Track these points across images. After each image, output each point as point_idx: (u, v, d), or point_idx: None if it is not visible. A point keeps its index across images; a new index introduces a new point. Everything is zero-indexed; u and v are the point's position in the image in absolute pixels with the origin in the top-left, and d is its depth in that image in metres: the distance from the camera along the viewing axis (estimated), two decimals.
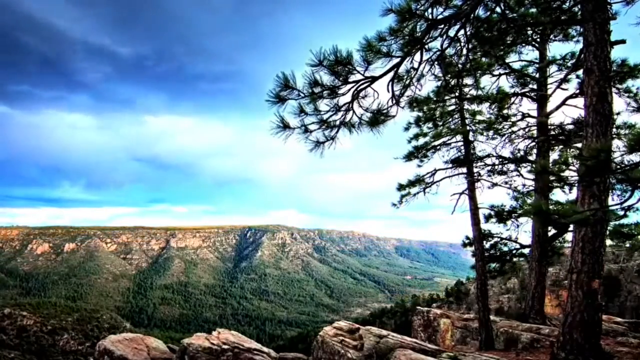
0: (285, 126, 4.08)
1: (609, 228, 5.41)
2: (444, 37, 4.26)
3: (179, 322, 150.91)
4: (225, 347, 6.09)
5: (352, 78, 3.99)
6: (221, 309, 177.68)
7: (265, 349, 6.91)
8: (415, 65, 4.20)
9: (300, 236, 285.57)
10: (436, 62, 4.53)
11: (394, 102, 4.22)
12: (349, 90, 4.12)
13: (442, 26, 4.18)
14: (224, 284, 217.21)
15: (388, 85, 4.15)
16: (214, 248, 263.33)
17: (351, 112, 4.26)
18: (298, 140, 4.18)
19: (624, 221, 4.79)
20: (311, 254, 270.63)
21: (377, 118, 4.20)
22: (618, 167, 4.34)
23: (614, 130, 7.21)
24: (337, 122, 4.32)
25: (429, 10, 4.31)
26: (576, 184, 7.16)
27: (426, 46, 4.03)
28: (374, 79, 4.06)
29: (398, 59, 3.96)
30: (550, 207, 4.96)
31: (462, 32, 4.51)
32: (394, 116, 4.28)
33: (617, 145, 6.89)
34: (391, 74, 4.06)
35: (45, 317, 66.70)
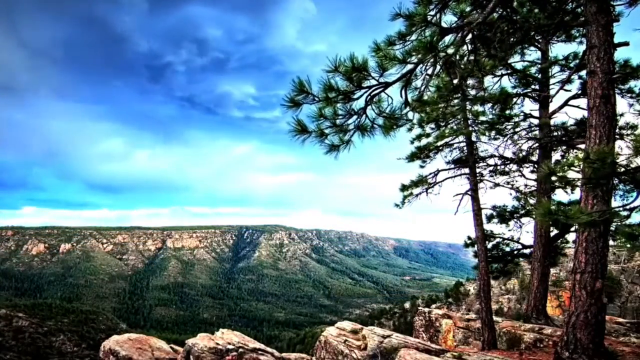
0: (302, 130, 4.17)
1: (611, 228, 5.46)
2: (457, 45, 4.29)
3: (175, 323, 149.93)
4: (230, 347, 6.08)
5: (365, 83, 4.07)
6: (218, 309, 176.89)
7: (269, 349, 6.92)
8: (427, 70, 4.25)
9: (298, 236, 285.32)
10: (444, 66, 4.55)
11: (407, 107, 4.27)
12: (362, 95, 4.20)
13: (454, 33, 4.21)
14: (221, 285, 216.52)
15: (401, 91, 4.21)
16: (211, 248, 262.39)
17: (364, 116, 4.33)
18: (313, 144, 4.25)
19: (629, 222, 4.84)
20: (309, 254, 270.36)
21: (392, 123, 4.26)
22: (624, 169, 4.38)
23: (617, 131, 7.26)
24: (352, 127, 4.40)
25: (437, 16, 4.35)
26: (579, 185, 7.21)
27: (440, 53, 4.08)
28: (387, 85, 4.14)
29: (412, 66, 4.02)
30: (552, 207, 4.99)
31: (469, 36, 4.55)
32: (410, 120, 4.33)
33: (620, 145, 6.96)
34: (405, 79, 4.11)
35: (41, 319, 66.19)
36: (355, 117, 4.30)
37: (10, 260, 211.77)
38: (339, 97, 4.03)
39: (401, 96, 4.22)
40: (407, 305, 62.89)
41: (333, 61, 3.82)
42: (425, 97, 4.61)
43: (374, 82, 4.01)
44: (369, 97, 4.17)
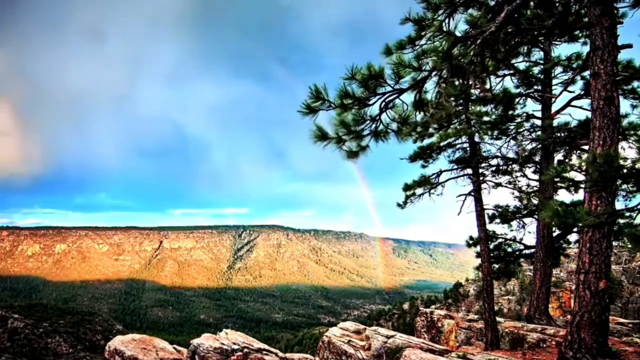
0: (323, 136, 4.24)
1: (614, 229, 5.49)
2: (468, 53, 4.34)
3: (172, 324, 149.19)
4: (236, 347, 6.07)
5: (380, 90, 4.15)
6: (215, 310, 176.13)
7: (273, 350, 6.91)
8: (439, 76, 4.30)
9: (295, 237, 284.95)
10: (452, 71, 4.60)
11: (420, 112, 4.33)
12: (377, 101, 4.27)
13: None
14: (218, 285, 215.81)
15: (415, 97, 4.26)
16: (208, 249, 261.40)
17: (379, 122, 4.39)
18: (332, 150, 4.31)
19: (633, 223, 4.88)
20: (307, 255, 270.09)
21: (408, 130, 4.32)
22: (628, 171, 4.41)
23: (620, 132, 7.28)
24: (367, 132, 4.47)
25: (447, 21, 4.41)
26: (583, 187, 7.25)
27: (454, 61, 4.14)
28: (402, 91, 4.22)
29: (426, 73, 4.08)
30: (559, 208, 5.02)
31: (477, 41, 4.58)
32: (425, 125, 4.37)
33: (622, 146, 6.99)
34: (419, 86, 4.17)
35: (37, 320, 65.62)
36: (370, 123, 4.35)
37: (5, 260, 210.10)
38: (355, 104, 4.09)
39: (415, 101, 4.27)
40: (405, 306, 62.86)
41: (350, 69, 3.91)
42: (433, 101, 4.66)
43: (388, 88, 4.07)
44: (384, 103, 4.22)
